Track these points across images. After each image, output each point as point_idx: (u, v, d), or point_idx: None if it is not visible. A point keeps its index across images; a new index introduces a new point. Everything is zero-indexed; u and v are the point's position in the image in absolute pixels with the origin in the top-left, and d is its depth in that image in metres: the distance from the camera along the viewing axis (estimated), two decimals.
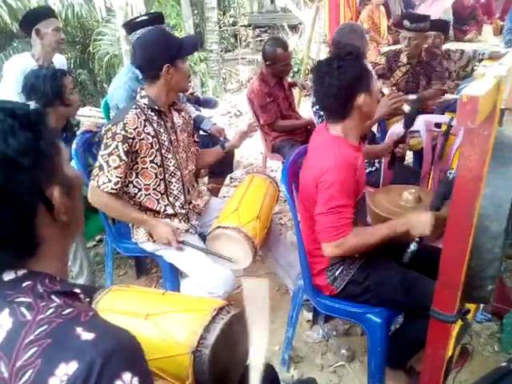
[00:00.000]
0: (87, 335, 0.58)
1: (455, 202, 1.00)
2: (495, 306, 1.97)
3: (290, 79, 4.06)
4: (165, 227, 1.81)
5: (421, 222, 1.38)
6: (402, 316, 1.76)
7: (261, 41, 9.41)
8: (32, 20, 2.58)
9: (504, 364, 0.94)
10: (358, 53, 1.45)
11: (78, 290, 0.68)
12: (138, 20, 2.48)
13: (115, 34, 6.28)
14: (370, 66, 1.94)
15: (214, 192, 2.91)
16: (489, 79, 0.87)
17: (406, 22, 3.13)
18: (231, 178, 3.78)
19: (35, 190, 0.63)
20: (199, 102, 3.34)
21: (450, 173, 0.99)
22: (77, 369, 0.55)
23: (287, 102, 3.18)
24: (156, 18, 2.49)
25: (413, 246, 1.40)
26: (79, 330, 0.59)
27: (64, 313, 0.61)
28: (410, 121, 1.91)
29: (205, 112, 3.47)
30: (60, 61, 2.81)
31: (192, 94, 3.38)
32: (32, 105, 2.04)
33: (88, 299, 0.71)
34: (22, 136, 0.61)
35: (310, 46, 5.25)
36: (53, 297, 0.63)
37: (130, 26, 2.47)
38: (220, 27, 9.18)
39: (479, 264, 1.11)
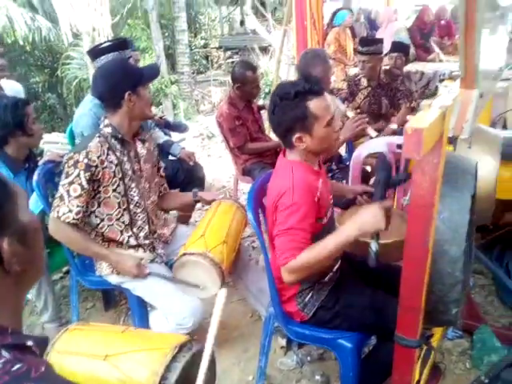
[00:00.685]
0: None
1: (410, 229, 1.02)
2: (465, 323, 1.98)
3: (261, 101, 4.11)
4: (129, 262, 1.76)
5: (370, 218, 1.26)
6: (376, 337, 1.76)
7: (232, 62, 9.55)
8: None
9: None
10: (296, 93, 1.41)
11: (30, 343, 0.64)
12: (102, 46, 2.43)
13: (83, 58, 6.25)
14: (330, 98, 1.94)
15: (184, 218, 2.86)
16: (434, 110, 0.89)
17: (359, 47, 3.32)
18: None
19: None
20: (169, 127, 3.33)
21: (404, 199, 1.01)
22: None
23: (256, 124, 3.21)
24: (120, 44, 2.45)
25: (373, 246, 1.27)
26: None
27: (13, 369, 0.57)
28: (381, 190, 1.52)
29: (176, 135, 3.45)
30: (13, 88, 2.67)
31: (161, 117, 3.37)
32: None
33: (40, 351, 0.67)
34: None
35: (279, 68, 5.36)
36: (2, 351, 0.59)
37: (94, 53, 2.42)
38: (191, 49, 9.27)
39: (441, 289, 1.12)
